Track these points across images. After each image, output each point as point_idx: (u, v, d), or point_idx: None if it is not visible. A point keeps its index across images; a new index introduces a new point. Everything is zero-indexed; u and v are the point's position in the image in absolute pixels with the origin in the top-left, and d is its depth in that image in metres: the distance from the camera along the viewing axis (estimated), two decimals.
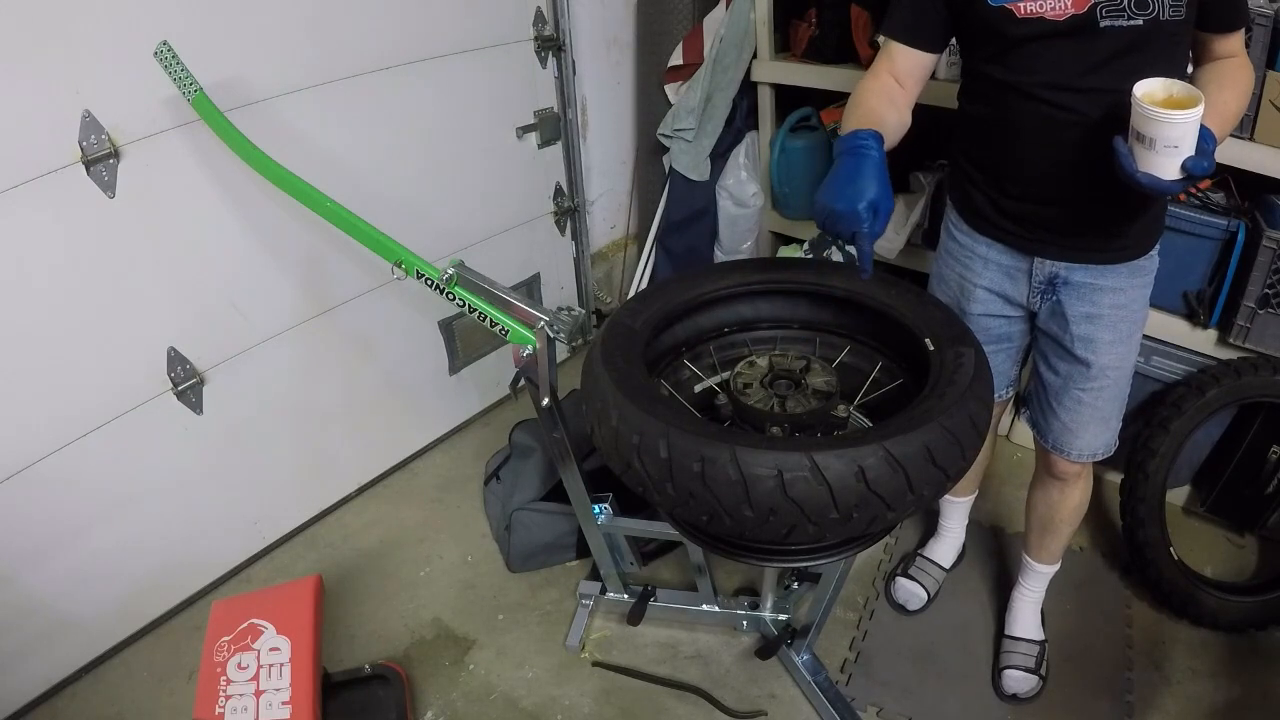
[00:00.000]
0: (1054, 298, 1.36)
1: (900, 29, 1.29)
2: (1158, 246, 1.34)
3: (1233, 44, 1.19)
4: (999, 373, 1.40)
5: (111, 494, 1.70)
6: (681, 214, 2.53)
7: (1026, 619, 1.72)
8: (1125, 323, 1.34)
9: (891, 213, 1.13)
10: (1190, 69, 1.24)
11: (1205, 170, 1.01)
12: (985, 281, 1.40)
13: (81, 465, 1.62)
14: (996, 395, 1.29)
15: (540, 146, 2.36)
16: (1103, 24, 1.12)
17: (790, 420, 1.17)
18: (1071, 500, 1.55)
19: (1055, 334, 1.39)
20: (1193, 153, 1.01)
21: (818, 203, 1.14)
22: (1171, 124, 1.00)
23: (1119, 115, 1.06)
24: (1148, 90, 1.03)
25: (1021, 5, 1.15)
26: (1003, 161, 1.30)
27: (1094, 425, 1.42)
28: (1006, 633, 1.73)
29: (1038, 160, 1.24)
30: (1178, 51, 1.18)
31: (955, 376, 1.10)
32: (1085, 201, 1.24)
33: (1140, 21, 1.11)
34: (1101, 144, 1.09)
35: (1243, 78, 1.19)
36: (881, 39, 1.35)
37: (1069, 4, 1.12)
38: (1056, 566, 1.68)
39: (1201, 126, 1.01)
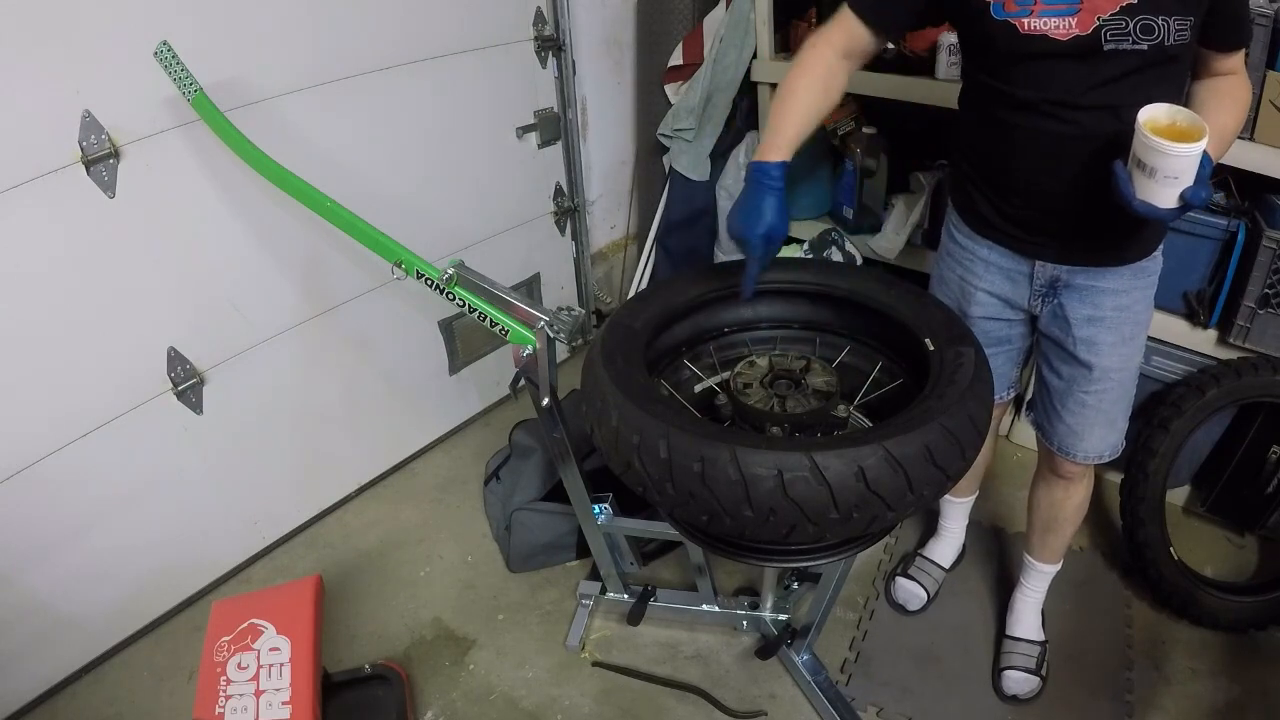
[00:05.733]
0: (1055, 300, 1.35)
1: (869, 7, 1.25)
2: (1161, 247, 1.33)
3: (1234, 62, 1.19)
4: (999, 375, 1.40)
5: (111, 494, 1.70)
6: (681, 214, 2.53)
7: (1028, 620, 1.72)
8: (1128, 324, 1.34)
9: (784, 239, 1.27)
10: (1188, 80, 1.24)
11: (1203, 201, 1.03)
12: (986, 284, 1.40)
13: (81, 465, 1.62)
14: (997, 397, 1.29)
15: (540, 146, 2.36)
16: (1107, 47, 1.11)
17: (790, 420, 1.17)
18: (1074, 499, 1.56)
19: (1057, 337, 1.38)
20: (1192, 183, 1.02)
21: (729, 220, 1.28)
22: (1175, 157, 1.00)
23: (1120, 131, 1.05)
24: (1151, 117, 1.02)
25: (1025, 21, 1.13)
26: (1004, 170, 1.29)
27: (1100, 427, 1.42)
28: (1007, 633, 1.73)
29: (1039, 172, 1.24)
30: (1180, 69, 1.18)
31: (955, 376, 1.10)
32: (1087, 212, 1.23)
33: (1145, 47, 1.10)
34: (1103, 159, 1.09)
35: (1241, 96, 1.20)
36: (842, 10, 1.27)
37: (1073, 25, 1.11)
38: (1058, 565, 1.68)
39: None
